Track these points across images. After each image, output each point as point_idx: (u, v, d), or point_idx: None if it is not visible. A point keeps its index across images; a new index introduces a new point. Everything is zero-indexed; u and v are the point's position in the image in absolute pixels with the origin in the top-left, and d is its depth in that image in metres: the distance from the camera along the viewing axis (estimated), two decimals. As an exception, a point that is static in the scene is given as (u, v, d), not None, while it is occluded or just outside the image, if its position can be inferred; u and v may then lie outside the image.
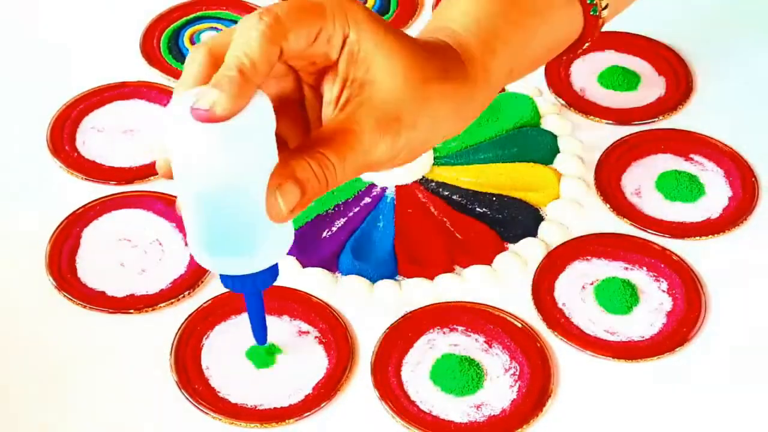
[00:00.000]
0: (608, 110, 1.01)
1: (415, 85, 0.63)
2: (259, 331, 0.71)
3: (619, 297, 0.85)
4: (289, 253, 0.88)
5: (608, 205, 0.93)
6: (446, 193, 0.94)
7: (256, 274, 0.63)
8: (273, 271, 0.65)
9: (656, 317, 0.85)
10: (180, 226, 0.90)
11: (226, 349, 0.82)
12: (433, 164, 0.96)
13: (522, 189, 0.93)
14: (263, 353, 0.81)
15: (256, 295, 0.67)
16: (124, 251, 0.89)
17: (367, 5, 1.10)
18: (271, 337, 0.82)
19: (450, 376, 0.80)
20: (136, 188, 0.94)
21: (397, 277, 0.88)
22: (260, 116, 0.58)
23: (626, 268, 0.88)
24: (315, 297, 0.85)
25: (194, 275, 0.86)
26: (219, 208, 0.59)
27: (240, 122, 0.57)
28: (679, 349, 0.82)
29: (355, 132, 0.61)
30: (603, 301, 0.85)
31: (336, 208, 0.92)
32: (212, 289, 0.86)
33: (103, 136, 0.98)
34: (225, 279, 0.65)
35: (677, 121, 1.00)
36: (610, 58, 1.06)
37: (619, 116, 1.00)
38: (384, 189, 0.94)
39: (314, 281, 0.86)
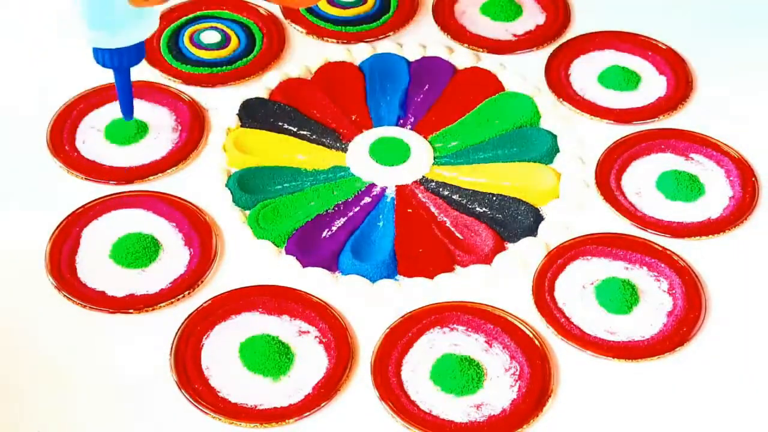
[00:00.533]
0: (608, 110, 1.01)
1: None
2: (126, 107, 0.91)
3: (619, 297, 0.85)
4: (289, 253, 0.88)
5: (608, 205, 0.93)
6: (446, 193, 0.94)
7: (122, 51, 0.85)
8: (139, 52, 0.86)
9: (656, 317, 0.85)
10: (180, 226, 0.90)
11: (226, 349, 0.82)
12: (434, 164, 0.96)
13: (522, 188, 0.93)
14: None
15: (124, 73, 0.88)
16: (124, 251, 0.89)
17: (367, 5, 1.10)
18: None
19: (450, 376, 0.80)
20: (135, 188, 0.94)
21: (397, 277, 0.88)
22: None
23: (626, 268, 0.88)
24: (315, 297, 0.85)
25: (194, 275, 0.86)
26: None
27: None
28: (679, 349, 0.82)
29: None
30: (603, 301, 0.85)
31: (336, 208, 0.92)
32: (212, 289, 0.86)
33: (103, 136, 0.98)
34: (97, 56, 0.85)
35: (677, 120, 1.00)
36: (611, 57, 1.06)
37: (620, 116, 1.00)
38: (384, 189, 0.94)
39: (314, 281, 0.86)
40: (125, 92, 0.90)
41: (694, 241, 0.90)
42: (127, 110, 0.92)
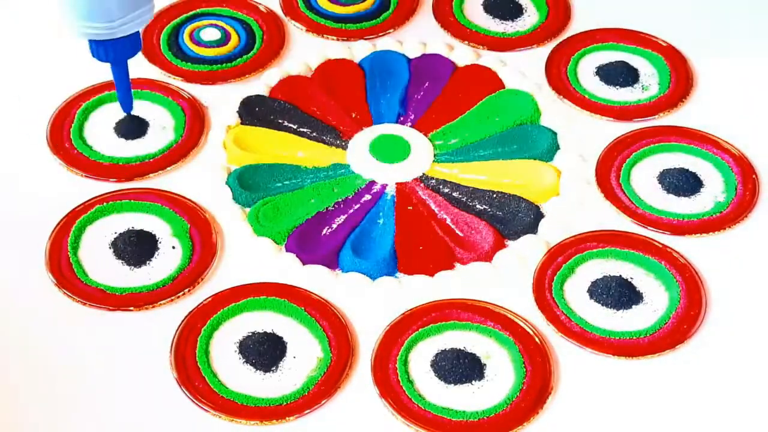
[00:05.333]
0: (609, 107, 1.01)
1: None
2: (125, 100, 0.92)
3: (619, 294, 0.85)
4: (289, 250, 0.88)
5: (608, 202, 0.93)
6: (446, 191, 0.94)
7: (118, 44, 0.85)
8: (135, 43, 0.86)
9: (657, 314, 0.84)
10: (180, 223, 0.90)
11: (226, 346, 0.82)
12: (434, 161, 0.96)
13: (522, 186, 0.93)
14: None
15: (121, 66, 0.88)
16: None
17: (367, 2, 1.10)
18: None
19: (450, 374, 0.80)
20: (135, 185, 0.94)
21: (397, 275, 0.88)
22: None
23: (627, 266, 0.88)
24: (315, 294, 0.85)
25: (194, 273, 0.86)
26: None
27: None
28: (679, 347, 0.82)
29: None
30: (603, 298, 0.85)
31: (336, 206, 0.92)
32: (212, 286, 0.86)
33: (103, 134, 0.98)
34: (93, 49, 0.86)
35: (678, 117, 1.00)
36: (611, 55, 1.06)
37: (620, 113, 1.00)
38: (384, 186, 0.94)
39: (315, 278, 0.86)
40: (123, 85, 0.90)
41: (695, 238, 0.90)
42: (127, 103, 0.93)
